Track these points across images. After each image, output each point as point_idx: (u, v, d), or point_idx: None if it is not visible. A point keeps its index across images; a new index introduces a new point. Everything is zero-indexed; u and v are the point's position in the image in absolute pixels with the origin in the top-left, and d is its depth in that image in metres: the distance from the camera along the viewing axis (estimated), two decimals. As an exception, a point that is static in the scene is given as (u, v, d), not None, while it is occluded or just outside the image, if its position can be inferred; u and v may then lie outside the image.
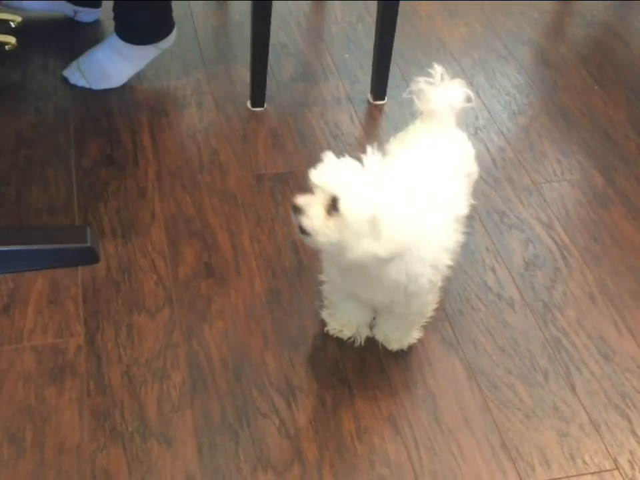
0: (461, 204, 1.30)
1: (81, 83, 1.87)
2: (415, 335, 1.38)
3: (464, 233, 1.31)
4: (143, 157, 1.72)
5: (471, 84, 2.00)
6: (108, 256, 1.50)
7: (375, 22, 1.87)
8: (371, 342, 1.39)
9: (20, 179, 1.64)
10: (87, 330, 1.37)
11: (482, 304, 1.48)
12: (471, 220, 1.36)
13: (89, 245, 1.48)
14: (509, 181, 1.75)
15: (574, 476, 1.24)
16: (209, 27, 2.12)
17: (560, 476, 1.24)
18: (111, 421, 1.24)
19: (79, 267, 1.47)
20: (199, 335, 1.38)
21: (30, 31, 2.00)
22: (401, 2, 1.79)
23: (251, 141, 1.79)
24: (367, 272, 1.17)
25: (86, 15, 2.05)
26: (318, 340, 1.39)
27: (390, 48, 1.86)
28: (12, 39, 1.93)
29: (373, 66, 1.90)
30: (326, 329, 1.40)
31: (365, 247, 1.09)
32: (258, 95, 1.86)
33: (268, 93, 1.87)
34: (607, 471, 1.25)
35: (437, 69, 1.34)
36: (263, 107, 1.87)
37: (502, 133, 1.88)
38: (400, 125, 1.45)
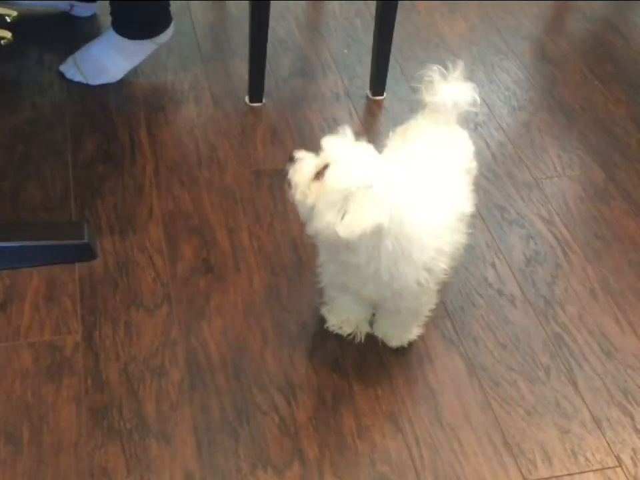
0: (464, 202, 1.28)
1: (78, 78, 1.85)
2: (415, 331, 1.37)
3: (467, 233, 1.30)
4: (140, 153, 1.70)
5: (470, 79, 1.98)
6: (105, 252, 1.48)
7: (373, 17, 1.86)
8: (371, 339, 1.38)
9: (16, 175, 1.62)
10: (84, 327, 1.36)
11: (483, 300, 1.47)
12: (471, 216, 1.34)
13: (86, 241, 1.46)
14: (510, 176, 1.74)
15: (576, 473, 1.23)
16: (207, 22, 2.11)
17: (562, 473, 1.23)
18: (109, 418, 1.23)
19: (76, 264, 1.46)
20: (197, 332, 1.37)
21: (26, 25, 1.98)
22: (400, -4, 1.78)
23: (249, 137, 1.77)
24: (353, 261, 1.16)
25: (82, 9, 2.03)
26: (318, 337, 1.38)
27: (389, 43, 1.84)
28: (7, 34, 1.91)
29: (372, 61, 1.89)
30: (326, 325, 1.38)
31: (328, 220, 1.10)
32: (256, 90, 1.85)
33: (266, 88, 1.86)
34: (610, 468, 1.24)
35: (459, 65, 1.32)
36: (261, 102, 1.86)
37: (502, 128, 1.87)
38: (399, 121, 1.43)
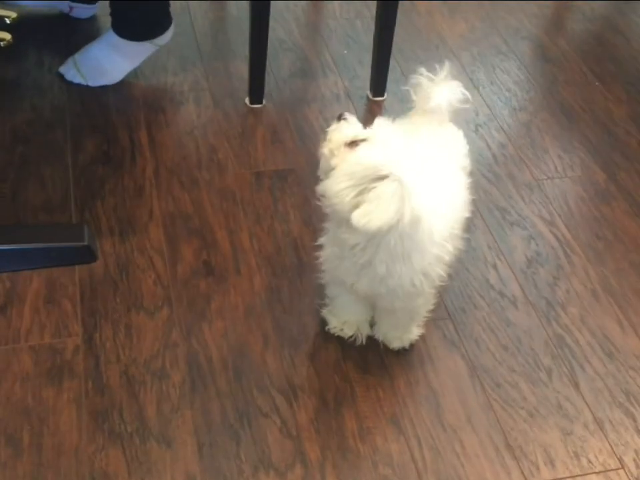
0: (465, 206, 1.28)
1: (77, 79, 1.85)
2: (416, 332, 1.36)
3: (463, 238, 1.29)
4: (140, 154, 1.70)
5: (470, 80, 1.99)
6: (105, 254, 1.48)
7: (373, 18, 1.86)
8: (373, 340, 1.37)
9: (16, 176, 1.62)
10: (84, 329, 1.35)
11: (484, 302, 1.47)
12: (472, 217, 1.34)
13: (86, 243, 1.46)
14: (510, 177, 1.74)
15: (579, 475, 1.23)
16: (207, 23, 2.10)
17: (565, 475, 1.22)
18: (110, 421, 1.23)
19: (76, 266, 1.45)
20: (198, 334, 1.36)
21: (25, 27, 1.98)
22: (400, -3, 1.78)
23: (249, 138, 1.77)
24: (350, 242, 1.15)
25: (82, 10, 2.03)
26: (319, 339, 1.38)
27: (389, 44, 1.84)
28: (7, 36, 1.91)
29: (372, 62, 1.88)
30: (327, 327, 1.38)
31: (340, 189, 1.08)
32: (256, 91, 1.84)
33: (266, 89, 1.85)
34: (612, 470, 1.24)
35: (446, 66, 1.32)
36: (261, 103, 1.86)
37: (502, 129, 1.86)
38: (400, 122, 1.43)
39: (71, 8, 2.02)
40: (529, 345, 1.40)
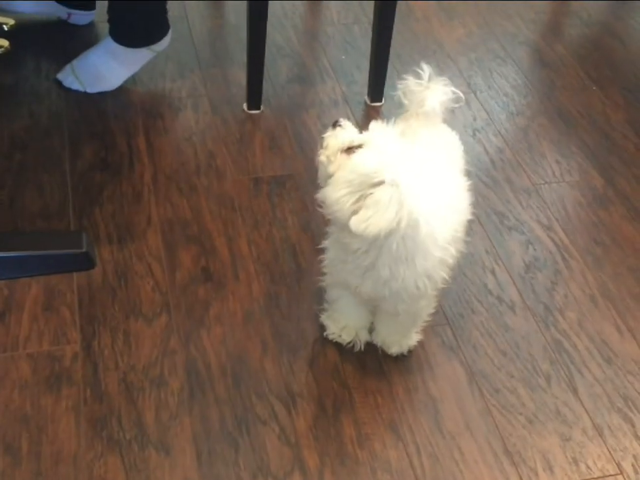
0: (467, 209, 1.28)
1: (75, 86, 1.85)
2: (414, 338, 1.37)
3: (465, 241, 1.30)
4: (138, 161, 1.70)
5: (468, 85, 1.99)
6: (104, 261, 1.48)
7: (371, 23, 1.86)
8: (371, 346, 1.38)
9: (13, 183, 1.62)
10: (83, 337, 1.35)
11: (482, 307, 1.47)
12: (470, 222, 1.34)
13: (84, 250, 1.46)
14: (508, 182, 1.74)
15: (577, 481, 1.23)
16: (205, 29, 2.10)
17: (563, 481, 1.23)
18: (108, 429, 1.23)
19: (75, 273, 1.45)
20: (196, 340, 1.36)
21: (23, 33, 1.98)
22: (397, 3, 1.78)
23: (247, 144, 1.77)
24: (353, 246, 1.15)
25: (80, 17, 2.03)
26: (317, 345, 1.38)
27: (387, 49, 1.84)
28: (5, 42, 1.92)
29: (370, 68, 1.89)
30: (325, 333, 1.38)
31: (339, 197, 1.09)
32: (254, 97, 1.85)
33: (264, 95, 1.86)
34: (611, 475, 1.24)
35: (426, 69, 1.33)
36: (259, 109, 1.86)
37: (500, 134, 1.87)
38: (398, 127, 1.43)
39: (69, 14, 2.02)
40: (527, 350, 1.40)
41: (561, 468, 1.24)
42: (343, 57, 2.04)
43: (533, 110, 1.95)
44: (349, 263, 1.19)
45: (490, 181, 1.74)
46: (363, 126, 1.84)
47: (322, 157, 1.15)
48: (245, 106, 1.86)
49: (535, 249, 1.59)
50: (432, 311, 1.34)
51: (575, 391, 1.34)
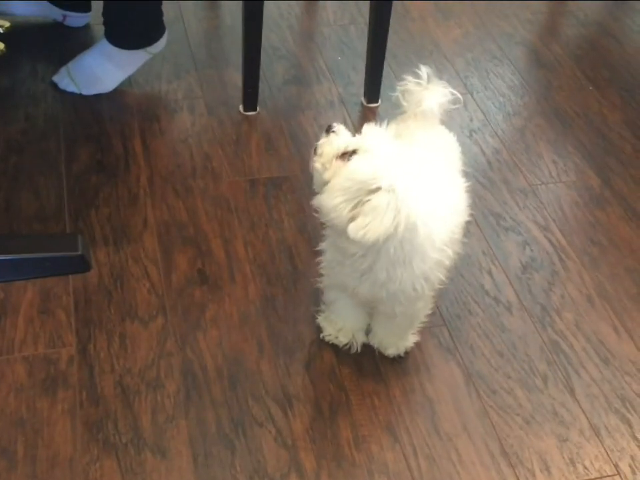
0: (462, 209, 1.28)
1: (71, 88, 1.85)
2: (411, 339, 1.36)
3: (462, 242, 1.29)
4: (134, 163, 1.70)
5: (464, 85, 1.99)
6: (99, 264, 1.48)
7: (367, 24, 1.86)
8: (368, 348, 1.37)
9: (9, 186, 1.62)
10: (78, 340, 1.35)
11: (479, 308, 1.46)
12: (467, 223, 1.34)
13: (80, 252, 1.46)
14: (505, 182, 1.74)
15: (575, 482, 1.22)
16: (200, 31, 2.10)
17: (561, 482, 1.22)
18: (104, 432, 1.22)
19: (70, 276, 1.45)
20: (193, 343, 1.36)
21: (19, 36, 1.98)
22: (393, 3, 1.78)
23: (243, 146, 1.77)
24: (350, 251, 1.14)
25: (75, 19, 2.03)
26: (314, 347, 1.37)
27: (383, 50, 1.84)
28: (0, 45, 1.91)
29: (366, 68, 1.89)
30: (322, 335, 1.38)
31: (336, 203, 1.08)
32: (250, 98, 1.84)
33: (260, 96, 1.85)
34: (608, 476, 1.23)
35: (424, 71, 1.32)
36: (255, 110, 1.86)
37: (497, 134, 1.86)
38: (394, 128, 1.43)
39: (64, 17, 2.02)
40: (524, 350, 1.40)
41: (558, 469, 1.23)
42: (339, 58, 2.04)
43: (529, 110, 1.95)
44: (346, 266, 1.19)
45: (487, 181, 1.74)
46: (359, 127, 1.84)
47: (317, 164, 1.14)
48: (241, 107, 1.86)
49: (531, 250, 1.59)
50: (429, 312, 1.34)
51: (572, 392, 1.34)
